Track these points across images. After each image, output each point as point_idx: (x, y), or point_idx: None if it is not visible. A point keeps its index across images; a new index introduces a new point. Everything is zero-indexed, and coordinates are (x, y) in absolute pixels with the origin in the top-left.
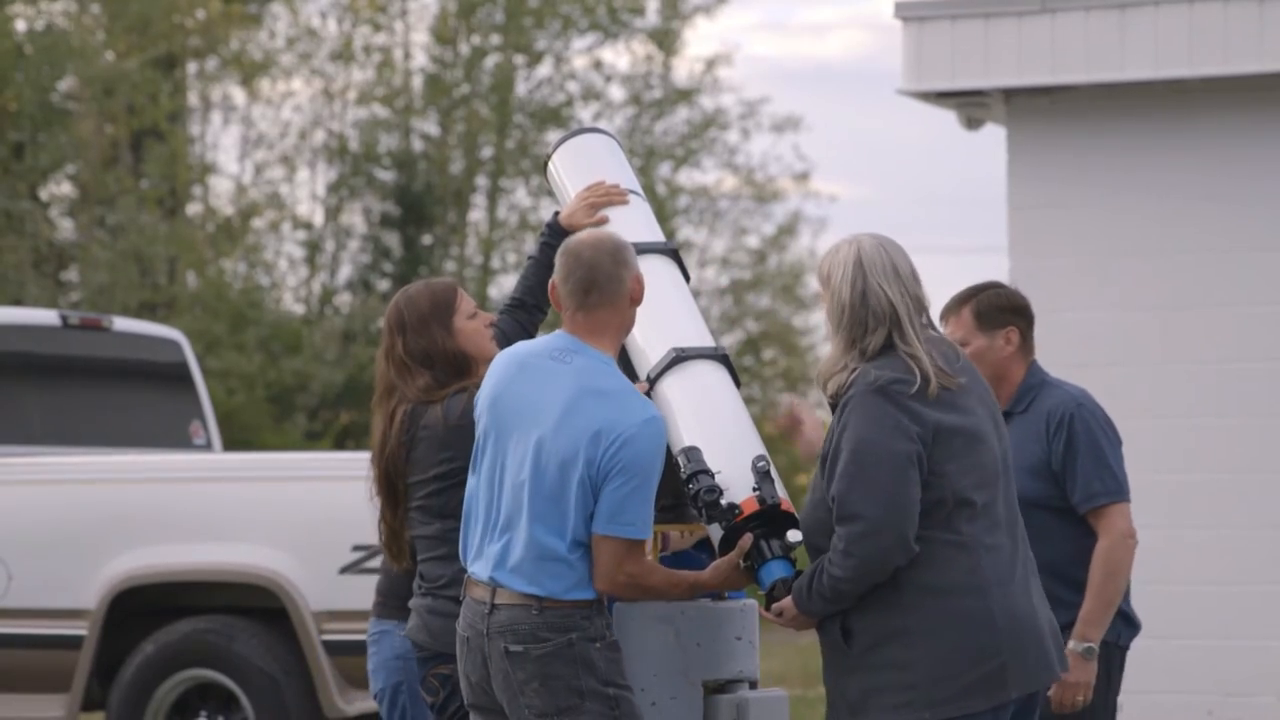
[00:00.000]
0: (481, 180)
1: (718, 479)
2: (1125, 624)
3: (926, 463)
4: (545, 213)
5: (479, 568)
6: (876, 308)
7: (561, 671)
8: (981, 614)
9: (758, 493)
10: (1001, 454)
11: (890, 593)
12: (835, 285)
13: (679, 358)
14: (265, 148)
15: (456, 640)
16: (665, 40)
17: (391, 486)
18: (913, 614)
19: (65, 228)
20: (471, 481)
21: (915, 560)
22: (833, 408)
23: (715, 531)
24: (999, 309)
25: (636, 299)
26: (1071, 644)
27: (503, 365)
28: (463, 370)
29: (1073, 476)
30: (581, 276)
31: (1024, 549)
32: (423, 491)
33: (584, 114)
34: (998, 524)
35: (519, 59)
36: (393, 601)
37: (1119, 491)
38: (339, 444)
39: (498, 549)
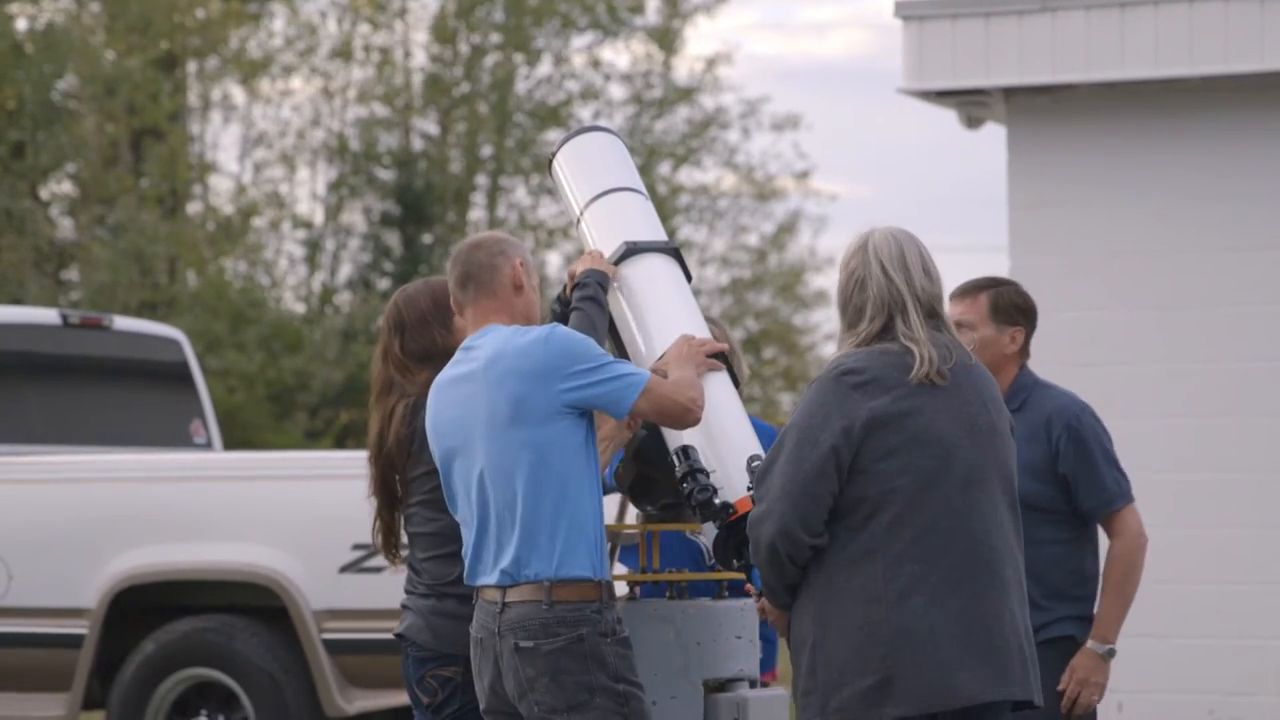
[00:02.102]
0: (481, 179)
1: (712, 478)
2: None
3: (854, 459)
4: (545, 211)
5: (488, 578)
6: (876, 294)
7: (571, 667)
8: (872, 625)
9: (752, 492)
10: (970, 464)
11: (805, 595)
12: (840, 271)
13: None
14: (265, 147)
15: (470, 643)
16: (665, 39)
17: (388, 484)
18: (815, 620)
19: (65, 227)
20: (455, 507)
21: (823, 562)
22: None
23: (710, 530)
24: (1015, 307)
25: (519, 284)
26: (1090, 645)
27: (429, 397)
28: None
29: (1089, 481)
30: (460, 273)
31: (992, 563)
32: (429, 485)
33: (584, 113)
34: (929, 532)
35: (519, 58)
36: None
37: (1130, 493)
38: (339, 443)
39: (498, 551)
